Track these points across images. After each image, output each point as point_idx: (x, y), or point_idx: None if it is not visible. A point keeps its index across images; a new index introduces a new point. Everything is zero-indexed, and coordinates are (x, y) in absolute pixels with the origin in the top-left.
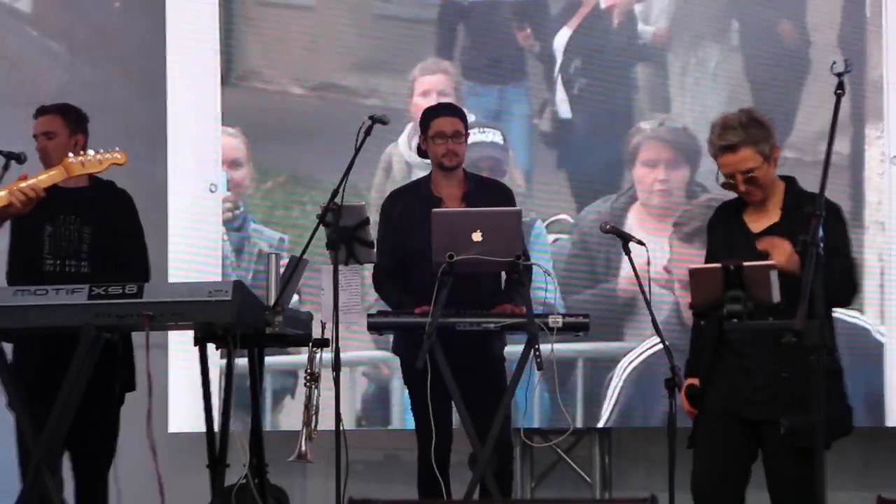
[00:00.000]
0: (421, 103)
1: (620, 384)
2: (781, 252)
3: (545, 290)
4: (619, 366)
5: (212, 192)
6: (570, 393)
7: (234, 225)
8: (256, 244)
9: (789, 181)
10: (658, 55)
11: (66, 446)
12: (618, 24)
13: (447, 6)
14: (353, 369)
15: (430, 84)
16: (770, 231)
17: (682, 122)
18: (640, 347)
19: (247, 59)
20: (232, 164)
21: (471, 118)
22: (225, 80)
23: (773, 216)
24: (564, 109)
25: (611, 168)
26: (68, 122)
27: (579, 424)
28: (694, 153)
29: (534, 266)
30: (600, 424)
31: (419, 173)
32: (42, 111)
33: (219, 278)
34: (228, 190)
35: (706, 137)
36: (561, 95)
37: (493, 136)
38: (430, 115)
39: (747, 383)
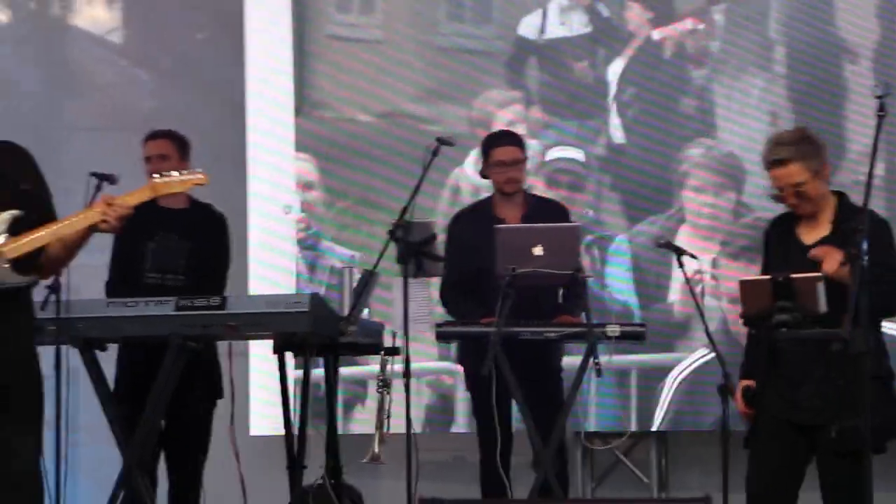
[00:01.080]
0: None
1: (672, 391)
2: (832, 261)
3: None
4: (671, 374)
5: (286, 213)
6: (626, 399)
7: (308, 243)
8: (329, 261)
9: (841, 196)
10: (706, 84)
11: (162, 448)
12: (670, 54)
13: (520, 41)
14: (418, 379)
15: (508, 115)
16: (821, 243)
17: (728, 147)
18: (691, 357)
19: (318, 89)
20: (305, 186)
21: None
22: (298, 110)
23: (824, 229)
24: (618, 135)
25: (661, 190)
26: (179, 148)
27: (635, 428)
28: (740, 176)
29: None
30: (654, 428)
31: (486, 194)
32: (155, 135)
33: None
34: (302, 211)
35: (750, 161)
36: (615, 122)
37: (576, 153)
38: (491, 143)
39: (799, 390)
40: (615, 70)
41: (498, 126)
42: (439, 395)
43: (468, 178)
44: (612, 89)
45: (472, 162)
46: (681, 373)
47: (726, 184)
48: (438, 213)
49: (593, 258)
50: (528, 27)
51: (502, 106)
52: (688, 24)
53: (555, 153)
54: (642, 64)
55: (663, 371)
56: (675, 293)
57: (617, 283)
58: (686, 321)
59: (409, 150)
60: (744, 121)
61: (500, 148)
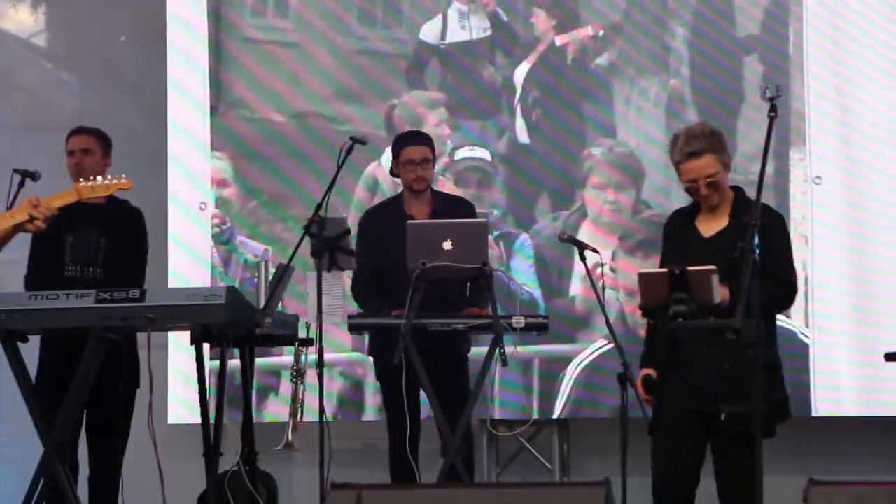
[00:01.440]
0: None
1: (573, 380)
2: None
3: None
4: (572, 363)
5: (202, 209)
6: (530, 388)
7: (222, 238)
8: (243, 255)
9: (738, 191)
10: (605, 86)
11: (84, 439)
12: (571, 59)
13: (421, 45)
14: (330, 368)
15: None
16: (720, 235)
17: (627, 147)
18: (591, 347)
19: (234, 89)
20: (220, 183)
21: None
22: (214, 110)
23: (722, 222)
24: (523, 136)
25: (563, 189)
26: (103, 144)
27: (537, 416)
28: (639, 175)
29: (497, 272)
30: (556, 415)
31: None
32: (80, 130)
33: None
34: (216, 207)
35: (650, 159)
36: (520, 123)
37: (482, 153)
38: (401, 143)
39: (695, 376)
40: (520, 73)
41: (423, 125)
42: (351, 384)
43: (385, 173)
44: (518, 91)
45: (387, 158)
46: (581, 362)
47: (626, 181)
48: (352, 210)
49: (500, 253)
50: (429, 31)
51: (430, 108)
52: (589, 29)
53: (463, 153)
54: (546, 68)
55: (565, 361)
56: (577, 286)
57: (521, 277)
58: (587, 313)
59: (322, 149)
60: (641, 121)
61: (410, 147)
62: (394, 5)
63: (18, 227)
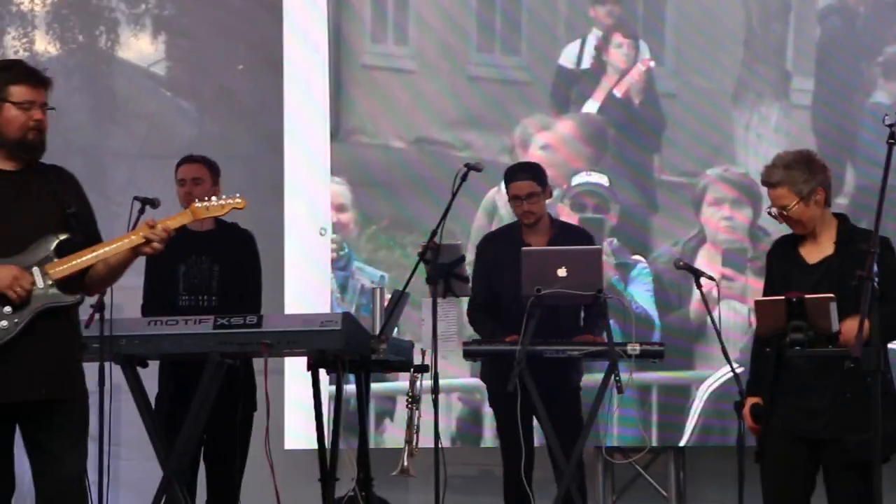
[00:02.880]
0: (537, 155)
1: (700, 406)
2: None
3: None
4: (700, 389)
5: (321, 235)
6: (647, 415)
7: (340, 264)
8: (360, 281)
9: (842, 218)
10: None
11: (202, 463)
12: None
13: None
14: (448, 394)
15: (547, 139)
16: (825, 262)
17: (744, 167)
18: (719, 373)
19: (354, 116)
20: (338, 208)
21: None
22: (334, 136)
23: (826, 249)
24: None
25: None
26: (212, 173)
27: (655, 443)
28: (756, 196)
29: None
30: (683, 443)
31: None
32: (190, 160)
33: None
34: (334, 233)
35: None
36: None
37: (599, 178)
38: (508, 176)
39: (808, 404)
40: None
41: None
42: (470, 410)
43: (504, 199)
44: None
45: None
46: (709, 388)
47: (742, 199)
48: (474, 235)
49: (616, 281)
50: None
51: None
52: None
53: (580, 178)
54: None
55: (685, 388)
56: (697, 311)
57: (640, 303)
58: (709, 337)
59: (441, 176)
60: (761, 147)
61: (516, 182)
62: (512, 32)
63: (137, 251)
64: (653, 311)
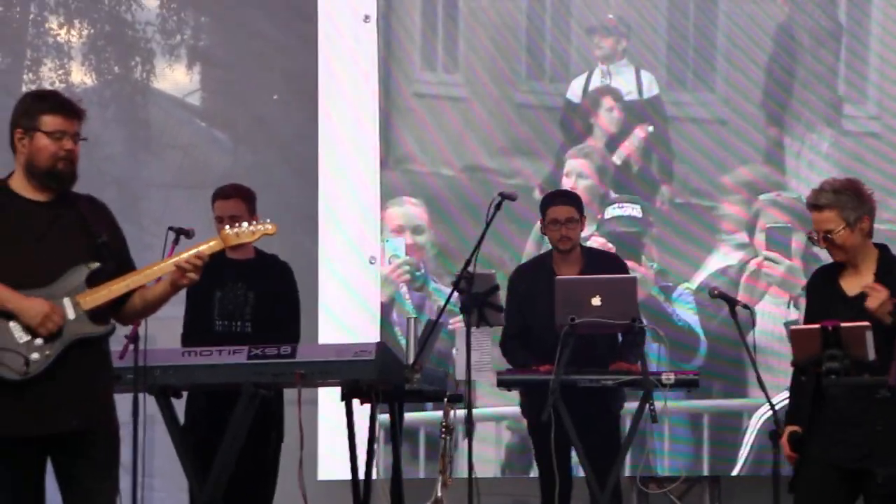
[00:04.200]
0: (566, 183)
1: (753, 435)
2: (875, 298)
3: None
4: (754, 418)
5: (371, 263)
6: (687, 444)
7: (415, 285)
8: (437, 302)
9: (883, 248)
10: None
11: (231, 493)
12: None
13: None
14: (497, 423)
15: (572, 167)
16: (864, 295)
17: (796, 193)
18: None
19: (403, 144)
20: (415, 230)
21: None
22: (384, 163)
23: (867, 280)
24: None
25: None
26: (248, 205)
27: (706, 472)
28: (809, 222)
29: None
30: (736, 472)
31: None
32: (225, 195)
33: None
34: (407, 254)
35: None
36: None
37: (632, 209)
38: (547, 202)
39: (846, 434)
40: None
41: (572, 181)
42: (520, 439)
43: None
44: None
45: None
46: (762, 416)
47: (795, 223)
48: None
49: (658, 291)
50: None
51: (577, 157)
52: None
53: (613, 211)
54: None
55: (735, 415)
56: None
57: (681, 317)
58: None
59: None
60: (812, 174)
61: (555, 207)
62: (561, 60)
63: (175, 285)
64: (696, 325)
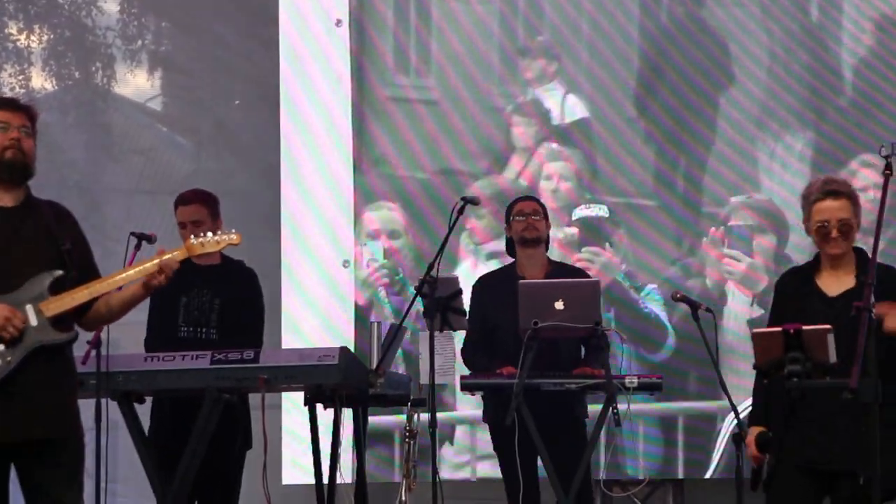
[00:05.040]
0: (544, 185)
1: (693, 438)
2: (893, 318)
3: (621, 353)
4: (727, 420)
5: (345, 267)
6: (656, 445)
7: (394, 290)
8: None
9: (860, 252)
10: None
11: (194, 498)
12: None
13: None
14: (472, 427)
15: (553, 169)
16: (847, 295)
17: (769, 194)
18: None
19: (375, 147)
20: (391, 234)
21: None
22: (357, 167)
23: (847, 282)
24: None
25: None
26: (210, 209)
27: (681, 475)
28: (781, 222)
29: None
30: (708, 475)
31: None
32: (185, 201)
33: (351, 344)
34: (385, 258)
35: (796, 212)
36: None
37: (599, 210)
38: (512, 203)
39: (822, 436)
40: None
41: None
42: None
43: None
44: None
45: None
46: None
47: (766, 225)
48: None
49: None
50: None
51: (556, 160)
52: None
53: (580, 213)
54: None
55: (706, 419)
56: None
57: (649, 306)
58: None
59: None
60: (786, 175)
61: (521, 203)
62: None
63: (147, 287)
64: (664, 316)
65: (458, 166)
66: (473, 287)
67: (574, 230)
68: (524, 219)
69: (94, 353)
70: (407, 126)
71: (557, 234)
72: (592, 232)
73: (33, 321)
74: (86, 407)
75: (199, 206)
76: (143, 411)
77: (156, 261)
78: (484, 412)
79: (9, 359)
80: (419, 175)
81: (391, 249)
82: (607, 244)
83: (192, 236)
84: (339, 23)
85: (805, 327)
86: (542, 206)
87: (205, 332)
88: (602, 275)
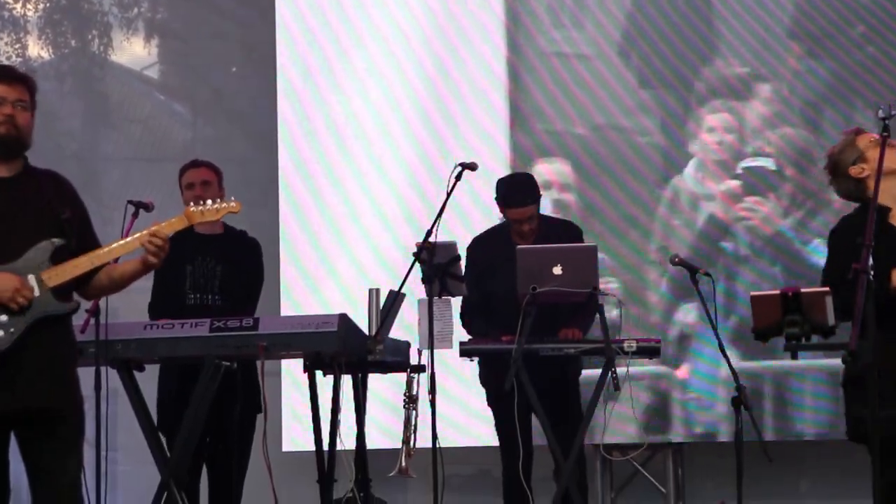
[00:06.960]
0: (706, 138)
1: (693, 402)
2: None
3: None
4: (690, 385)
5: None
6: (646, 411)
7: None
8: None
9: None
10: None
11: (202, 465)
12: None
13: None
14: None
15: (716, 122)
16: None
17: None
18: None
19: (530, 103)
20: (563, 187)
21: None
22: (513, 122)
23: None
24: None
25: None
26: (218, 177)
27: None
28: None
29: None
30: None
31: (703, 203)
32: (197, 164)
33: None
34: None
35: None
36: None
37: (766, 161)
38: (507, 199)
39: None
40: None
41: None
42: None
43: (688, 187)
44: None
45: (690, 171)
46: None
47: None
48: (657, 221)
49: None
50: None
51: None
52: None
53: (746, 163)
54: None
55: (684, 382)
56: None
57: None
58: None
59: (619, 162)
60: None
61: (518, 209)
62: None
63: (146, 264)
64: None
65: (614, 121)
66: (468, 248)
67: (735, 183)
68: (518, 226)
69: (92, 321)
70: (559, 80)
71: (720, 186)
72: (756, 184)
73: (36, 291)
74: (85, 375)
75: (209, 170)
76: (144, 379)
77: (153, 228)
78: (480, 375)
79: (12, 329)
80: (575, 131)
81: (565, 201)
82: (771, 195)
83: (192, 203)
84: None
85: (803, 290)
86: (537, 195)
87: (210, 298)
88: (762, 226)
